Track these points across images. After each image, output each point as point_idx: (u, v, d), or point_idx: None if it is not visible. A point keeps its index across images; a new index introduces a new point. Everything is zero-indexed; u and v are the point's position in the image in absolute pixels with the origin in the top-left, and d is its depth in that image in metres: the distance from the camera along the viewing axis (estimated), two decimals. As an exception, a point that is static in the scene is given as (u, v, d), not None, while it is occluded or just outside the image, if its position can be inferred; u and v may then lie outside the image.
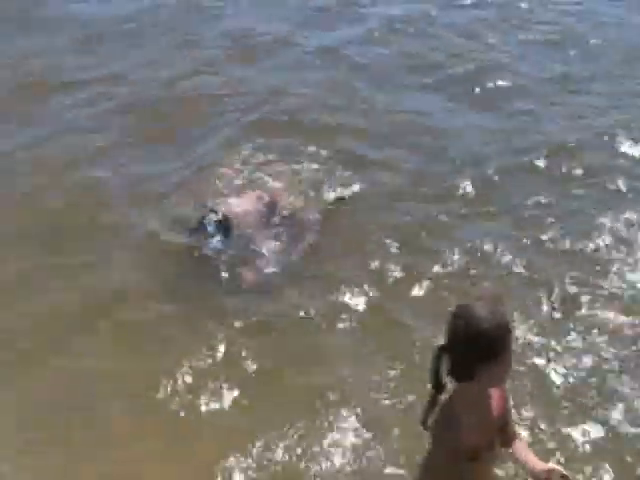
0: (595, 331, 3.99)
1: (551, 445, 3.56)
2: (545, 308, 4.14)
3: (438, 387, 2.75)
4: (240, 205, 4.51)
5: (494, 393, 2.95)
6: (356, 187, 4.96)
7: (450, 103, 5.91)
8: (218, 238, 4.11)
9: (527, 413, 3.66)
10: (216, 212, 4.20)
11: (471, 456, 2.86)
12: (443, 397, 2.87)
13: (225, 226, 4.18)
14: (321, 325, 4.07)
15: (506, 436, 3.04)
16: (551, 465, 3.02)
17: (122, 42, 6.66)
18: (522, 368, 3.79)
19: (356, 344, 4.00)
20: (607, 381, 3.76)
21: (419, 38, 6.76)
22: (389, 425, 3.57)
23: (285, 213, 4.63)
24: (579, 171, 5.15)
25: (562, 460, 3.34)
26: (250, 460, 3.45)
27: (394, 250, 4.57)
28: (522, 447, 3.13)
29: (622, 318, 4.06)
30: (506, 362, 2.78)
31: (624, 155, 5.29)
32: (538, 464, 3.03)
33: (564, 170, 5.16)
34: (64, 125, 5.58)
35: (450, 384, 2.81)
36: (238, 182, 4.85)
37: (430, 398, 2.76)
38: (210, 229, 4.12)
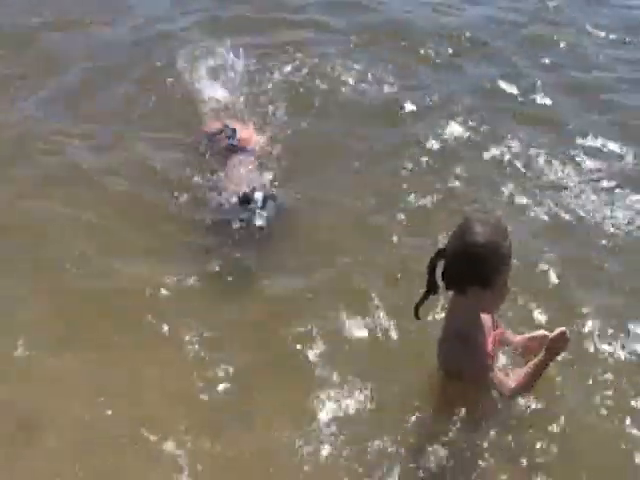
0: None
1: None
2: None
3: (431, 286, 2.98)
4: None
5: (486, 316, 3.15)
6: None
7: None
8: (264, 214, 4.11)
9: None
10: (255, 189, 4.20)
11: (483, 372, 3.08)
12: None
13: (271, 202, 4.20)
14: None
15: None
16: (541, 332, 3.29)
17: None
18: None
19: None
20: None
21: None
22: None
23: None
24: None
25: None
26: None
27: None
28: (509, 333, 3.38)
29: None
30: (497, 292, 2.95)
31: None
32: (525, 336, 3.32)
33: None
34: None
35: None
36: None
37: (423, 294, 3.00)
38: (258, 205, 4.12)
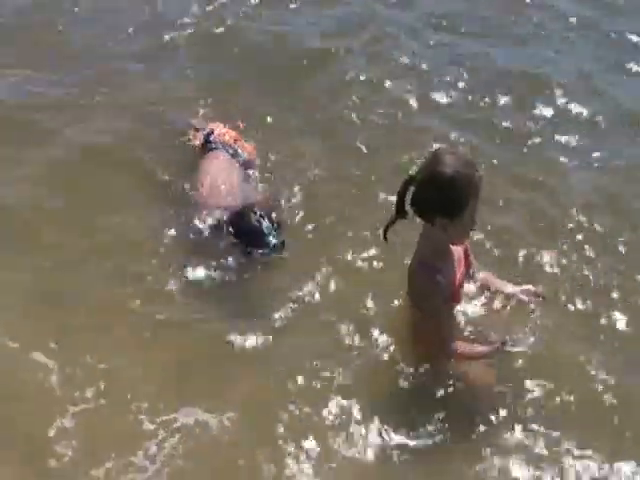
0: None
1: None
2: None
3: (399, 211, 3.00)
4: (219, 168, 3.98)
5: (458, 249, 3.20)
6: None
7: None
8: (273, 237, 3.63)
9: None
10: (254, 212, 3.68)
11: (454, 299, 3.16)
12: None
13: (276, 223, 3.72)
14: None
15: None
16: (525, 286, 3.38)
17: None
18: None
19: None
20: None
21: None
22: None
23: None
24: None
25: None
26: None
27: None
28: (489, 276, 3.45)
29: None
30: (463, 225, 2.98)
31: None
32: (513, 287, 3.39)
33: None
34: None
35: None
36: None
37: (391, 218, 3.02)
38: (266, 230, 3.63)
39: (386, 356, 3.34)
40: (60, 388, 3.15)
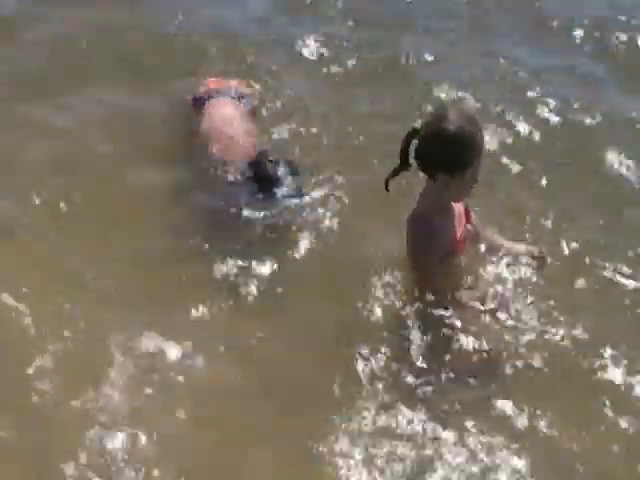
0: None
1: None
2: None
3: (403, 162, 3.02)
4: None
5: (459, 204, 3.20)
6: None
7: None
8: (289, 181, 3.58)
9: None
10: (269, 158, 3.63)
11: (455, 253, 3.16)
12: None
13: (292, 165, 3.66)
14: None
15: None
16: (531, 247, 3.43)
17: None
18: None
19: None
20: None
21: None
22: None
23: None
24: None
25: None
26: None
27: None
28: (492, 233, 3.46)
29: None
30: (466, 182, 2.99)
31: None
32: (520, 245, 3.45)
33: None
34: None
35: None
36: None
37: (395, 168, 3.04)
38: (281, 174, 3.57)
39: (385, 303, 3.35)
40: (35, 329, 3.21)
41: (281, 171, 3.58)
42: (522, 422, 3.01)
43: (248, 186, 3.63)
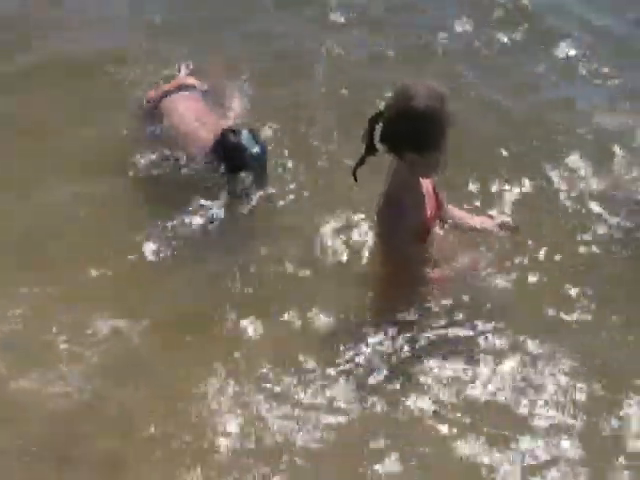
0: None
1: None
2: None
3: (369, 148, 2.93)
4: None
5: (427, 184, 3.13)
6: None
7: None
8: (256, 149, 3.54)
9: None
10: (232, 130, 3.60)
11: (422, 236, 3.07)
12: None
13: (257, 135, 3.63)
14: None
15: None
16: (499, 219, 3.39)
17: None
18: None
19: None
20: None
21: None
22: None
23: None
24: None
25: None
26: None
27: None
28: (457, 211, 3.41)
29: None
30: (433, 159, 2.92)
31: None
32: (487, 220, 3.38)
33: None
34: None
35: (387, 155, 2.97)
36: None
37: (361, 156, 2.94)
38: (245, 143, 3.52)
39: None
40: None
41: (245, 137, 3.54)
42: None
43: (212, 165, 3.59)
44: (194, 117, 3.75)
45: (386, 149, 2.92)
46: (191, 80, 3.98)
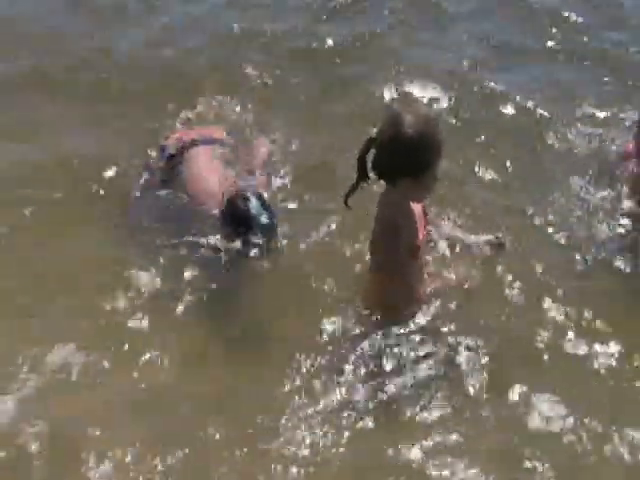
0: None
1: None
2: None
3: (361, 175, 2.98)
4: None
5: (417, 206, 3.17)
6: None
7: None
8: (265, 216, 3.40)
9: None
10: (241, 195, 3.46)
11: (414, 254, 3.13)
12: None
13: (265, 201, 3.50)
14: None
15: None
16: (486, 236, 3.45)
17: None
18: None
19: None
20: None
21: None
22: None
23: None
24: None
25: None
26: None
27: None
28: (448, 227, 3.51)
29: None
30: (427, 183, 2.97)
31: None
32: (475, 237, 3.47)
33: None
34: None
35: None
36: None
37: (354, 182, 3.00)
38: (254, 211, 3.39)
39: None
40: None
41: (253, 205, 3.42)
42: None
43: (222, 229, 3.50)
44: (211, 175, 3.68)
45: (377, 176, 2.98)
46: (219, 133, 3.92)
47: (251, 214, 3.39)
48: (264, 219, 3.40)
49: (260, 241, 3.39)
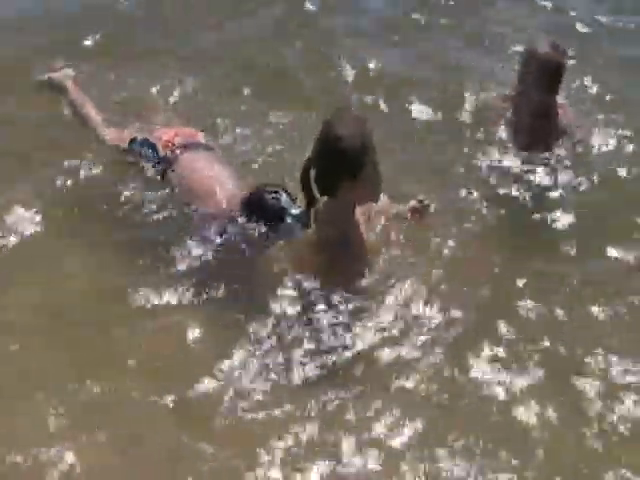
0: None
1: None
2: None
3: (310, 199, 3.12)
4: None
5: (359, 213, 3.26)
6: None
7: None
8: (294, 209, 3.47)
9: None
10: (267, 190, 3.54)
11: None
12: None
13: (291, 194, 3.56)
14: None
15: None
16: (411, 203, 3.48)
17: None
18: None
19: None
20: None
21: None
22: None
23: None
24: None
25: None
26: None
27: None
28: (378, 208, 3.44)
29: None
30: (369, 182, 3.05)
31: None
32: (399, 206, 3.50)
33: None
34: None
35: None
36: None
37: (306, 210, 3.18)
38: (286, 205, 3.47)
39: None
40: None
41: (284, 200, 3.53)
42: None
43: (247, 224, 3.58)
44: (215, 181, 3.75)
45: (321, 192, 3.11)
46: (199, 137, 3.99)
47: (283, 206, 3.49)
48: (294, 210, 3.50)
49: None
